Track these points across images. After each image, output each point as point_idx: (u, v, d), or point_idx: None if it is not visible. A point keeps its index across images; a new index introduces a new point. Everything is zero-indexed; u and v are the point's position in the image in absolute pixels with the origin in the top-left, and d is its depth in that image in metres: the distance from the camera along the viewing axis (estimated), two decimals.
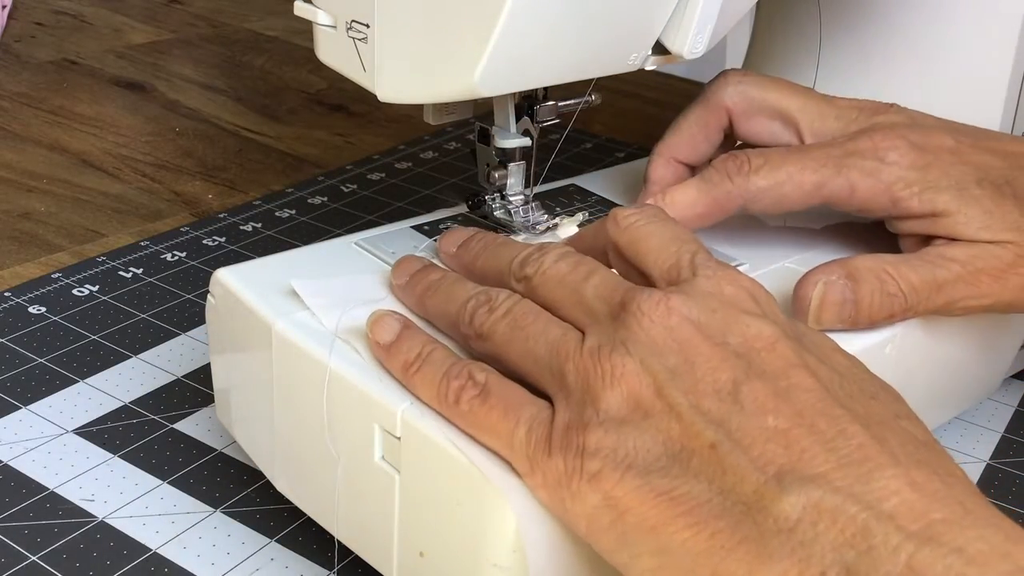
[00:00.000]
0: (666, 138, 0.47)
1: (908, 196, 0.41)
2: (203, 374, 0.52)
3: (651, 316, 0.32)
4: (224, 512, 0.43)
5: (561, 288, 0.35)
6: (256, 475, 0.44)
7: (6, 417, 0.48)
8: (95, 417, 0.48)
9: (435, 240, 0.43)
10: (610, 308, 0.33)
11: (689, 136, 0.47)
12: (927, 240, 0.42)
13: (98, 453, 0.46)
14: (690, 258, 0.35)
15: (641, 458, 0.30)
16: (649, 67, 0.42)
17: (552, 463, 0.31)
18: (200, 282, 0.59)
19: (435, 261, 0.41)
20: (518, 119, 0.44)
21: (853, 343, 0.39)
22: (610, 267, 0.38)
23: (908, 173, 0.41)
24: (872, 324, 0.41)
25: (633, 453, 0.30)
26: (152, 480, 0.45)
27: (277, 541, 0.42)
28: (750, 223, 0.48)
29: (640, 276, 0.36)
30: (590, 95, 0.45)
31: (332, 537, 0.38)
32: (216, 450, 0.47)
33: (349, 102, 0.87)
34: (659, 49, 0.41)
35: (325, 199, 0.70)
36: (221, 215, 0.67)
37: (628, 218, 0.37)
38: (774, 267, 0.44)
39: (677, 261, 0.35)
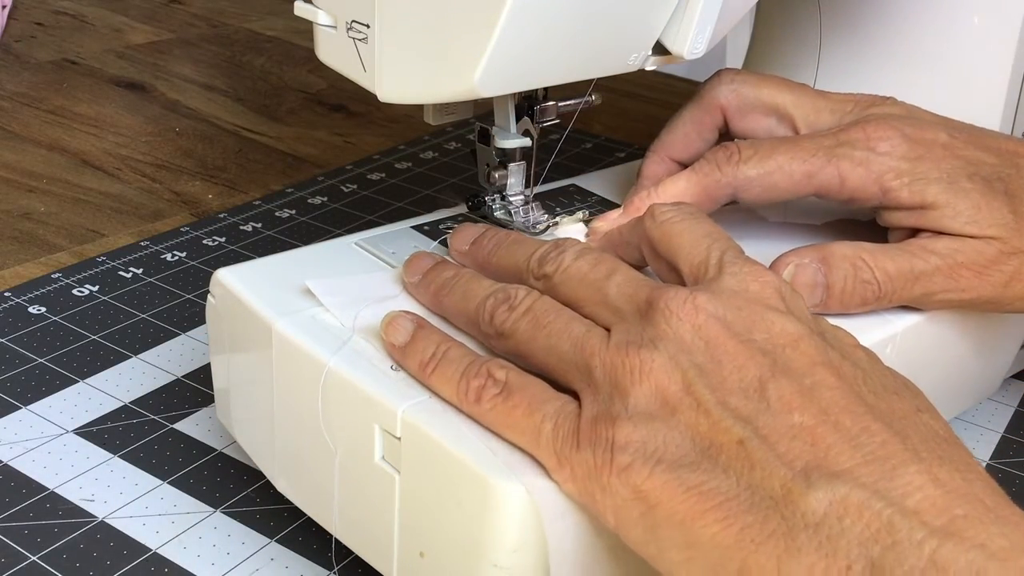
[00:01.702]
0: (661, 136, 0.48)
1: (898, 187, 0.41)
2: (203, 374, 0.52)
3: (679, 314, 0.32)
4: (224, 512, 0.43)
5: (583, 287, 0.35)
6: (256, 475, 0.44)
7: (6, 417, 0.48)
8: (95, 417, 0.48)
9: (440, 242, 0.43)
10: (636, 306, 0.34)
11: (683, 135, 0.47)
12: (914, 234, 0.42)
13: (98, 453, 0.46)
14: (719, 255, 0.35)
15: (670, 453, 0.30)
16: (649, 67, 0.42)
17: (581, 457, 0.31)
18: (200, 282, 0.59)
19: (446, 258, 0.41)
20: (518, 119, 0.44)
21: None
22: (642, 262, 0.39)
23: (899, 164, 0.41)
24: (845, 309, 0.41)
25: (662, 448, 0.30)
26: (152, 480, 0.45)
27: (277, 541, 0.42)
28: (752, 222, 0.48)
29: (671, 271, 0.37)
30: (590, 95, 0.45)
31: (332, 537, 0.38)
32: (216, 450, 0.47)
33: (349, 102, 0.87)
34: (659, 49, 0.41)
35: (325, 199, 0.70)
36: (221, 215, 0.67)
37: (664, 213, 0.37)
38: None
39: (706, 258, 0.35)
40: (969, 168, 0.42)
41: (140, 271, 0.60)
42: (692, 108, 0.47)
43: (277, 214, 0.68)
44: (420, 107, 0.44)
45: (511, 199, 0.45)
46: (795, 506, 0.28)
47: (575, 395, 0.33)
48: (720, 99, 0.46)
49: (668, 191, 0.43)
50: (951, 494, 0.28)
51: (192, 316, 0.56)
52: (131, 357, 0.53)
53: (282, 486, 0.40)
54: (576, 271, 0.36)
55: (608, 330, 0.34)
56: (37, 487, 0.44)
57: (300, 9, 0.41)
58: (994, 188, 0.41)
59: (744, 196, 0.43)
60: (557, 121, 0.45)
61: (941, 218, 0.41)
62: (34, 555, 0.41)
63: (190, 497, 0.44)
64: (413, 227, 0.45)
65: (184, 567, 0.40)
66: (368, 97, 0.40)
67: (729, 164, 0.42)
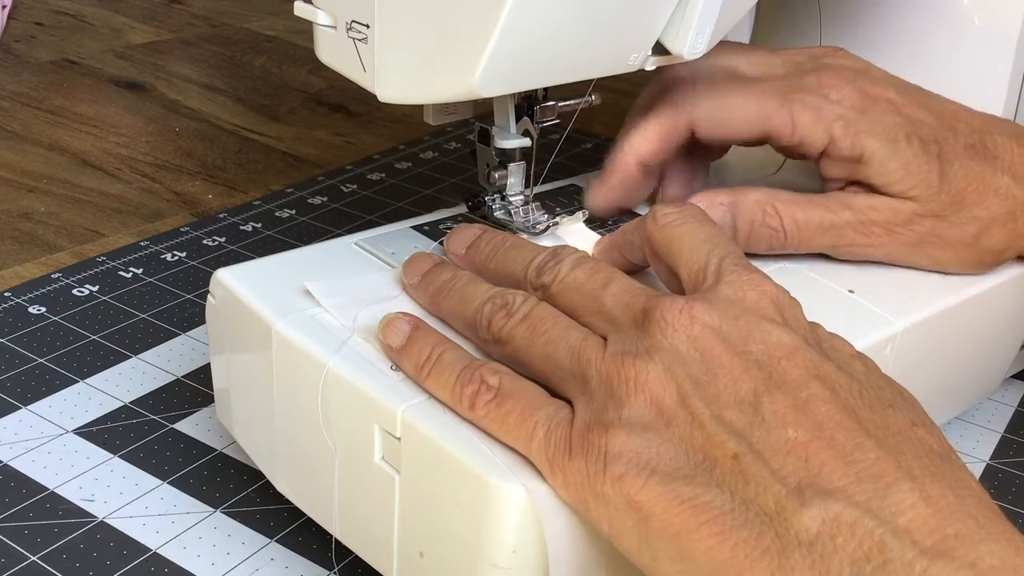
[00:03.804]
0: (632, 138, 0.45)
1: (842, 136, 0.43)
2: (203, 374, 0.52)
3: (674, 325, 0.32)
4: (224, 512, 0.43)
5: (580, 296, 0.35)
6: (256, 475, 0.44)
7: (6, 417, 0.48)
8: (95, 417, 0.48)
9: (440, 242, 0.43)
10: (632, 315, 0.33)
11: (659, 143, 0.45)
12: (845, 186, 0.44)
13: (98, 453, 0.46)
14: (717, 263, 0.35)
15: (664, 464, 0.30)
16: (649, 67, 0.42)
17: (573, 465, 0.31)
18: (200, 282, 0.59)
19: (446, 259, 0.41)
20: (518, 119, 0.44)
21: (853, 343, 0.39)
22: (646, 262, 0.39)
23: (848, 112, 0.43)
24: (749, 250, 0.43)
25: (656, 459, 0.30)
26: (152, 480, 0.45)
27: (277, 541, 0.42)
28: None
29: (671, 275, 0.37)
30: (590, 95, 0.45)
31: (332, 537, 0.38)
32: (216, 450, 0.47)
33: (349, 102, 0.87)
34: (659, 49, 0.41)
35: (325, 199, 0.70)
36: (221, 215, 0.67)
37: (666, 216, 0.37)
38: (774, 267, 0.44)
39: (705, 265, 0.35)
40: (909, 127, 0.43)
41: (140, 271, 0.60)
42: (662, 117, 0.45)
43: (277, 214, 0.68)
44: (420, 107, 0.44)
45: (511, 199, 0.45)
46: (788, 523, 0.28)
47: (570, 402, 0.33)
48: (691, 116, 0.45)
49: (636, 142, 0.45)
50: (943, 512, 0.28)
51: (192, 316, 0.56)
52: (131, 357, 0.53)
53: (282, 486, 0.40)
54: (573, 281, 0.36)
55: (605, 339, 0.34)
56: (37, 487, 0.44)
57: (300, 9, 0.41)
58: (928, 151, 0.43)
59: (701, 133, 0.45)
60: (557, 121, 0.45)
61: (871, 175, 0.43)
62: (34, 555, 0.41)
63: (190, 497, 0.44)
64: (413, 227, 0.45)
65: (184, 567, 0.41)
66: (368, 97, 0.40)
67: (685, 102, 0.44)
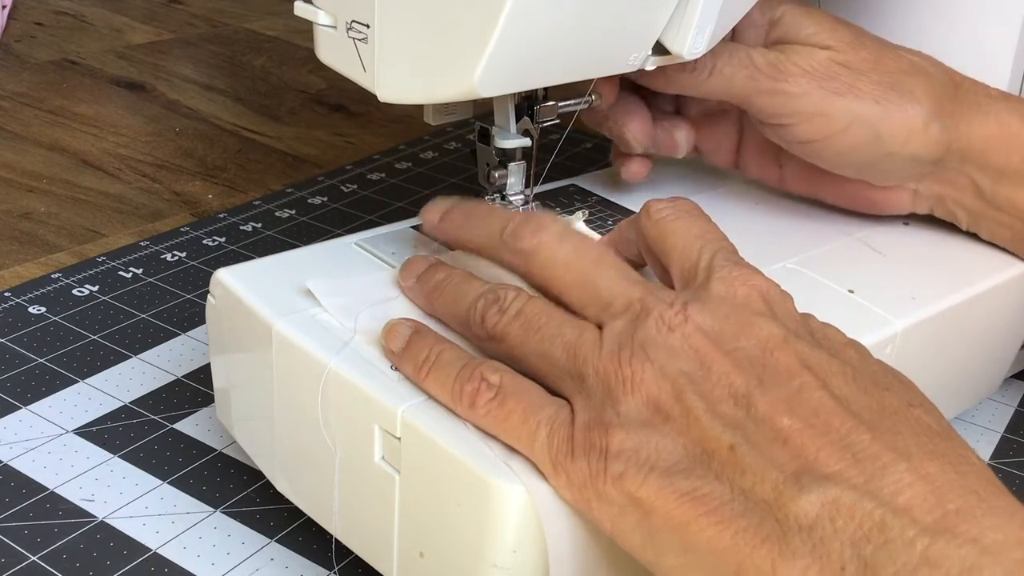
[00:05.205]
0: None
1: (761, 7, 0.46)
2: (203, 374, 0.52)
3: (669, 324, 0.33)
4: (224, 512, 0.43)
5: (567, 272, 0.35)
6: (256, 475, 0.44)
7: (6, 417, 0.48)
8: (95, 417, 0.48)
9: (441, 243, 0.43)
10: (627, 304, 0.34)
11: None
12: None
13: (98, 453, 0.46)
14: (709, 259, 0.35)
15: (663, 460, 0.30)
16: (649, 67, 0.42)
17: (576, 465, 0.31)
18: (200, 282, 0.59)
19: (442, 259, 0.41)
20: (518, 119, 0.44)
21: None
22: (641, 259, 0.39)
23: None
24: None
25: (655, 455, 0.30)
26: (152, 480, 0.45)
27: (277, 541, 0.42)
28: (750, 222, 0.48)
29: (665, 271, 0.37)
30: (590, 95, 0.45)
31: (332, 537, 0.38)
32: (216, 450, 0.47)
33: (349, 102, 0.87)
34: (659, 49, 0.41)
35: (325, 199, 0.70)
36: (221, 215, 0.67)
37: (660, 211, 0.38)
38: (774, 267, 0.44)
39: (696, 262, 0.35)
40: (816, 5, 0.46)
41: (140, 271, 0.60)
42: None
43: (277, 214, 0.68)
44: (420, 107, 0.44)
45: (511, 199, 0.45)
46: (787, 510, 0.28)
47: (567, 398, 0.33)
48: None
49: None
50: (942, 489, 0.28)
51: (192, 316, 0.56)
52: (131, 357, 0.53)
53: (282, 486, 0.40)
54: (561, 255, 0.36)
55: (597, 326, 0.34)
56: (37, 487, 0.44)
57: (300, 9, 0.41)
58: (841, 20, 0.46)
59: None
60: (557, 121, 0.45)
61: (785, 33, 0.45)
62: (34, 555, 0.41)
63: (190, 497, 0.44)
64: (413, 227, 0.45)
65: (184, 567, 0.41)
66: (368, 97, 0.40)
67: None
